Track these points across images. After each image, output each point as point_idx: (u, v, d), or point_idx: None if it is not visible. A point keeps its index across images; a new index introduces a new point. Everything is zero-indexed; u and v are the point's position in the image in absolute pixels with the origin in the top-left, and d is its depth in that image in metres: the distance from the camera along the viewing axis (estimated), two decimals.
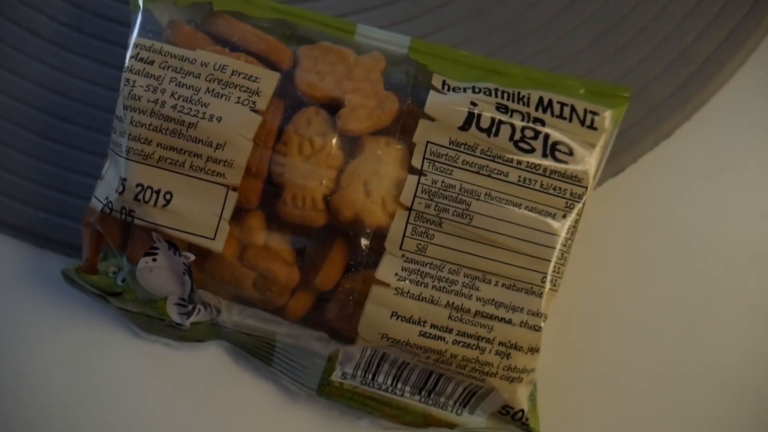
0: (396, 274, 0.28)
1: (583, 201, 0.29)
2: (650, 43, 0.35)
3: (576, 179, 0.29)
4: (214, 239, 0.28)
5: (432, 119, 0.29)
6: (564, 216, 0.29)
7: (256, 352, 0.32)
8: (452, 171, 0.28)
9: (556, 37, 0.35)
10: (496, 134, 0.29)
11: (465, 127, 0.29)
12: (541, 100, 0.29)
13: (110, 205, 0.29)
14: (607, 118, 0.29)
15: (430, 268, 0.28)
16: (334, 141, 0.29)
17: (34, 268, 0.33)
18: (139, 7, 0.30)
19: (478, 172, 0.28)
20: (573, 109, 0.29)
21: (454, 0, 0.35)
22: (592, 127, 0.29)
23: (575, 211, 0.29)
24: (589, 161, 0.29)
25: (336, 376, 0.30)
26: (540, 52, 0.35)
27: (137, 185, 0.28)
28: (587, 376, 0.33)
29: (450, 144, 0.29)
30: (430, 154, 0.28)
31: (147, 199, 0.28)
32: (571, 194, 0.29)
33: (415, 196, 0.28)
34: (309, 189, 0.28)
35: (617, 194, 0.34)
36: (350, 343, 0.29)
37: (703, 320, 0.33)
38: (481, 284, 0.28)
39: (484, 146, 0.29)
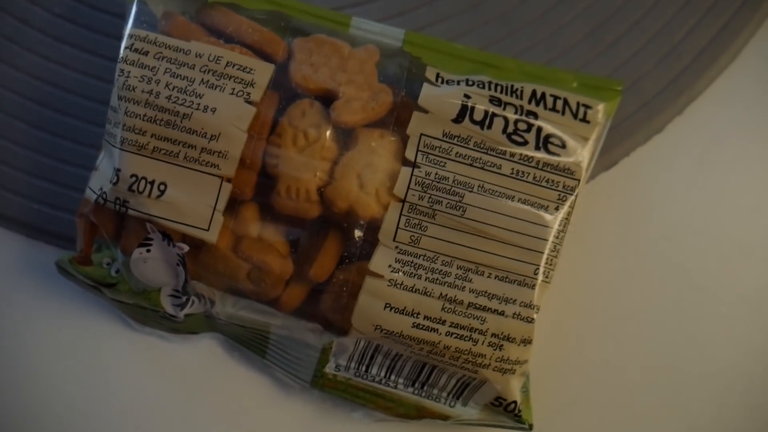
0: (389, 266, 0.28)
1: (575, 193, 0.29)
2: (643, 37, 0.35)
3: (569, 172, 0.29)
4: (208, 230, 0.28)
5: (426, 111, 0.29)
6: (557, 208, 0.29)
7: (250, 344, 0.32)
8: (446, 163, 0.28)
9: (550, 30, 0.35)
10: (490, 127, 0.29)
11: (458, 119, 0.29)
12: (534, 93, 0.30)
13: (104, 196, 0.29)
14: (599, 111, 0.30)
15: (423, 259, 0.28)
16: (328, 133, 0.29)
17: (28, 260, 0.33)
18: None
19: (471, 165, 0.29)
20: (566, 102, 0.30)
21: None
22: (584, 120, 0.29)
23: (568, 203, 0.29)
24: (581, 154, 0.29)
25: (330, 368, 0.30)
26: (534, 45, 0.35)
27: (131, 176, 0.28)
28: (580, 368, 0.33)
29: (443, 136, 0.29)
30: (424, 147, 0.29)
31: (141, 189, 0.28)
32: (563, 187, 0.29)
33: (408, 188, 0.28)
34: (303, 181, 0.28)
35: (610, 188, 0.34)
36: (344, 334, 0.29)
37: (695, 312, 0.34)
38: (474, 276, 0.29)
39: (477, 139, 0.29)
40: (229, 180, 0.28)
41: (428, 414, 0.31)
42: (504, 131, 0.29)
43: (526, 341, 0.29)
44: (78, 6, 0.35)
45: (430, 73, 0.30)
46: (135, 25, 0.29)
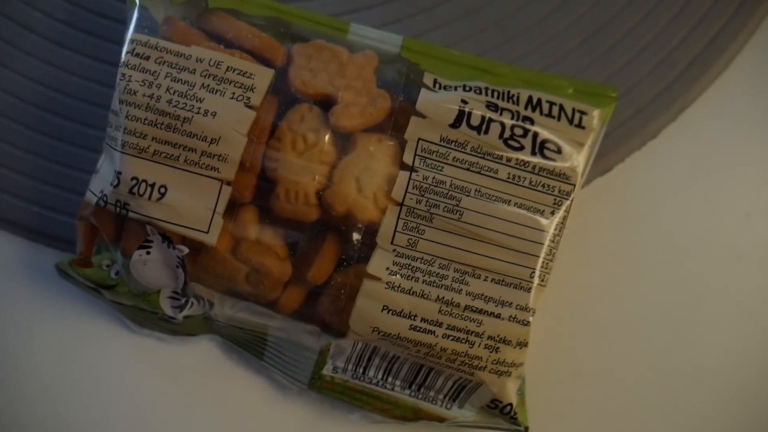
0: (387, 269, 0.29)
1: (571, 198, 0.29)
2: (637, 45, 0.35)
3: (564, 177, 0.29)
4: (207, 233, 0.29)
5: (423, 117, 0.29)
6: (552, 213, 0.29)
7: (248, 346, 0.32)
8: (443, 167, 0.29)
9: (546, 37, 0.35)
10: (486, 132, 0.29)
11: (456, 124, 0.29)
12: (530, 98, 0.30)
13: (105, 198, 0.29)
14: (595, 117, 0.30)
15: (420, 262, 0.29)
16: (326, 137, 0.29)
17: (28, 262, 0.33)
18: (136, 3, 0.30)
19: (468, 169, 0.29)
20: (561, 108, 0.30)
21: (446, 1, 0.35)
22: (580, 125, 0.30)
23: (563, 207, 0.29)
24: (577, 159, 0.30)
25: (327, 370, 0.31)
26: (530, 52, 0.35)
27: (132, 178, 0.28)
28: (575, 371, 0.33)
29: (441, 141, 0.29)
30: (422, 151, 0.29)
31: (142, 192, 0.28)
32: (559, 191, 0.29)
33: (406, 192, 0.29)
34: (302, 184, 0.29)
35: (605, 193, 0.35)
36: (341, 336, 0.30)
37: (689, 317, 0.34)
38: (470, 279, 0.29)
39: (474, 143, 0.29)
40: (228, 183, 0.29)
41: (425, 416, 0.31)
42: (500, 136, 0.29)
43: (522, 344, 0.29)
44: (78, 11, 0.35)
45: (428, 79, 0.30)
46: (136, 30, 0.30)
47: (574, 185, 0.29)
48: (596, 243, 0.34)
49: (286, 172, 0.29)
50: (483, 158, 0.29)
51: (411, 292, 0.29)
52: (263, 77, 0.29)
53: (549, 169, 0.29)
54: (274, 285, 0.29)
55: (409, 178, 0.29)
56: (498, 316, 0.29)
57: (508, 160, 0.29)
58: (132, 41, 0.29)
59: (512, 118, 0.29)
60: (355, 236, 0.29)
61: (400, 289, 0.29)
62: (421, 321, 0.29)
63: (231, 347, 0.33)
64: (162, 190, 0.28)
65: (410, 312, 0.29)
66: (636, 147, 0.35)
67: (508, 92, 0.30)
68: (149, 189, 0.28)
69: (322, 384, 0.31)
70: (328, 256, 0.29)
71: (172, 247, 0.29)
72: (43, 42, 0.34)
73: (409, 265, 0.29)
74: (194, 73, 0.29)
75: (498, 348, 0.29)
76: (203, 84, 0.29)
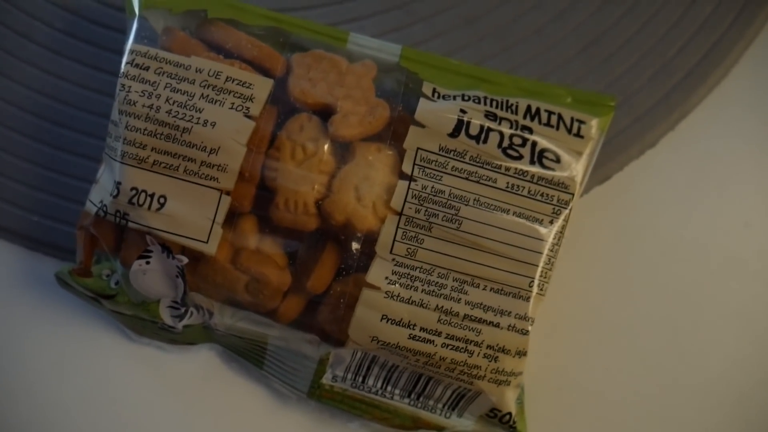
0: (386, 278, 0.29)
1: (569, 207, 0.29)
2: (635, 54, 0.35)
3: (563, 186, 0.29)
4: (207, 242, 0.29)
5: (422, 126, 0.29)
6: (551, 222, 0.29)
7: (248, 355, 0.32)
8: (442, 177, 0.29)
9: (544, 47, 0.35)
10: (485, 141, 0.29)
11: (454, 134, 0.29)
12: (529, 108, 0.30)
13: (105, 209, 0.29)
14: (593, 126, 0.30)
15: (419, 272, 0.29)
16: (326, 147, 0.29)
17: (28, 272, 0.33)
18: (135, 14, 0.30)
19: (467, 178, 0.29)
20: (560, 117, 0.30)
21: (444, 10, 0.36)
22: (578, 135, 0.30)
23: (562, 217, 0.29)
24: (575, 168, 0.30)
25: (326, 379, 0.31)
26: (528, 61, 0.35)
27: (132, 189, 0.28)
28: (574, 380, 0.33)
29: (440, 150, 0.29)
30: (420, 160, 0.29)
31: (141, 202, 0.28)
32: (558, 200, 0.29)
33: (405, 201, 0.29)
34: (301, 194, 0.29)
35: (603, 202, 0.35)
36: (341, 345, 0.30)
37: (688, 326, 0.34)
38: (469, 288, 0.29)
39: (473, 153, 0.29)
40: (228, 193, 0.29)
41: (424, 425, 0.31)
42: (499, 146, 0.29)
43: (521, 353, 0.29)
44: (78, 21, 0.35)
45: (427, 89, 0.30)
46: (136, 40, 0.30)
47: (573, 194, 0.29)
48: (595, 252, 0.34)
49: (286, 182, 0.29)
50: (482, 167, 0.29)
51: (410, 302, 0.29)
52: (262, 87, 0.29)
53: (548, 178, 0.29)
54: (273, 294, 0.29)
55: (408, 188, 0.29)
56: (497, 325, 0.29)
57: (507, 169, 0.29)
58: (131, 52, 0.29)
59: (511, 128, 0.30)
60: (354, 245, 0.29)
61: (399, 298, 0.29)
62: (420, 330, 0.29)
63: (231, 356, 0.33)
64: (161, 200, 0.28)
65: (409, 321, 0.29)
66: (634, 156, 0.35)
67: (507, 101, 0.30)
68: (149, 199, 0.28)
69: (322, 393, 0.31)
70: (328, 266, 0.29)
71: (172, 257, 0.29)
72: (43, 51, 0.35)
73: (408, 274, 0.29)
74: (194, 83, 0.29)
75: (497, 357, 0.29)
76: (203, 94, 0.29)
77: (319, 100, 0.29)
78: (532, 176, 0.29)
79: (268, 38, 0.30)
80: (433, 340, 0.29)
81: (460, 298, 0.29)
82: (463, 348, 0.29)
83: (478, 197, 0.29)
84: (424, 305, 0.29)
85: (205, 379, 0.33)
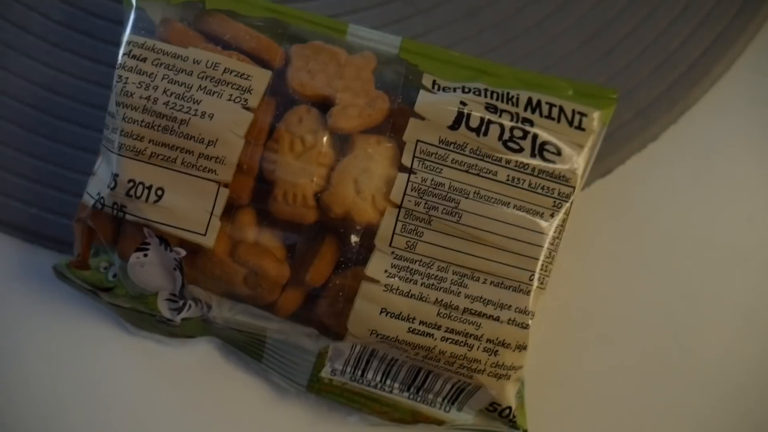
0: (385, 271, 0.29)
1: (570, 200, 0.29)
2: (637, 46, 0.35)
3: (564, 179, 0.29)
4: (205, 235, 0.28)
5: (422, 118, 0.29)
6: (552, 215, 0.29)
7: (247, 348, 0.32)
8: (442, 169, 0.29)
9: (546, 39, 0.35)
10: (486, 134, 0.29)
11: (455, 126, 0.29)
12: (529, 100, 0.30)
13: (102, 201, 0.29)
14: (595, 119, 0.30)
15: (419, 265, 0.29)
16: (324, 139, 0.29)
17: (25, 264, 0.33)
18: (132, 5, 0.30)
19: (467, 171, 0.29)
20: (561, 109, 0.30)
21: (445, 2, 0.35)
22: (580, 127, 0.30)
23: (563, 210, 0.29)
24: (576, 161, 0.29)
25: (325, 373, 0.31)
26: (529, 53, 0.35)
27: (129, 181, 0.28)
28: (574, 374, 0.33)
29: (440, 143, 0.29)
30: (420, 153, 0.29)
31: (139, 194, 0.28)
32: (559, 194, 0.29)
33: (404, 193, 0.29)
34: (300, 186, 0.29)
35: (605, 195, 0.35)
36: (340, 339, 0.30)
37: (690, 320, 0.34)
38: (469, 282, 0.29)
39: (473, 145, 0.29)
40: (226, 185, 0.28)
41: (423, 419, 0.31)
42: (500, 138, 0.29)
43: (521, 347, 0.29)
44: (76, 12, 0.35)
45: (427, 81, 0.30)
46: (133, 31, 0.29)
47: (574, 187, 0.29)
48: (596, 245, 0.34)
49: (284, 174, 0.29)
50: (482, 160, 0.29)
51: (409, 295, 0.29)
52: (261, 79, 0.29)
53: (548, 171, 0.29)
54: (272, 287, 0.29)
55: (408, 180, 0.29)
56: (497, 319, 0.29)
57: (508, 162, 0.29)
58: (129, 43, 0.29)
59: (512, 120, 0.29)
60: (354, 238, 0.29)
61: (398, 291, 0.28)
62: (419, 324, 0.29)
63: (229, 349, 0.33)
64: (159, 192, 0.28)
65: (409, 315, 0.29)
66: (636, 149, 0.35)
67: (508, 94, 0.30)
68: (146, 191, 0.28)
69: (321, 386, 0.31)
70: (327, 259, 0.29)
71: (170, 249, 0.29)
72: (40, 43, 0.34)
73: (408, 267, 0.29)
74: (191, 74, 0.29)
75: (497, 351, 0.29)
76: (200, 86, 0.28)
77: (318, 91, 0.29)
78: (533, 169, 0.29)
79: (267, 29, 0.30)
80: (433, 334, 0.29)
81: (460, 292, 0.29)
82: (462, 342, 0.29)
83: (478, 190, 0.29)
84: (424, 299, 0.29)
85: (203, 373, 0.33)
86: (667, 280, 0.34)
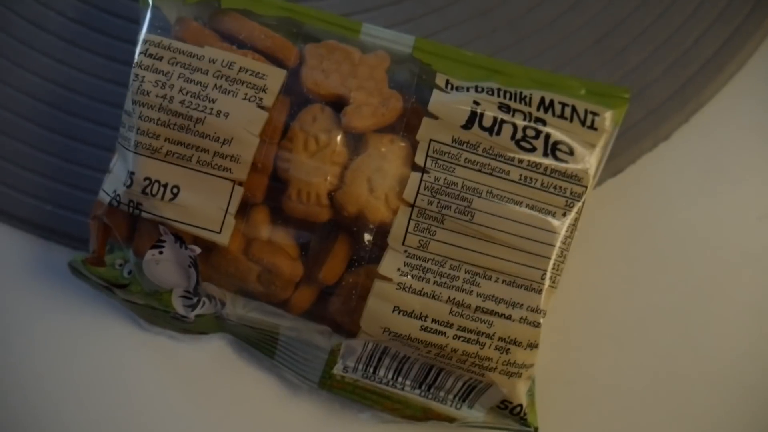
0: (398, 270, 0.29)
1: (582, 200, 0.29)
2: (650, 45, 0.35)
3: (576, 178, 0.29)
4: (219, 233, 0.29)
5: (435, 117, 0.29)
6: (564, 214, 0.29)
7: (260, 345, 0.32)
8: (455, 169, 0.29)
9: (558, 38, 0.35)
10: (498, 133, 0.29)
11: (468, 125, 0.29)
12: (542, 100, 0.30)
13: (118, 198, 0.29)
14: (607, 118, 0.30)
15: (431, 263, 0.29)
16: (338, 138, 0.29)
17: (41, 260, 0.34)
18: (148, 4, 0.30)
19: (480, 170, 0.29)
20: (574, 109, 0.30)
21: (458, 0, 0.35)
22: (592, 127, 0.30)
23: (575, 209, 0.29)
24: (589, 161, 0.29)
25: (338, 370, 0.31)
26: (542, 52, 0.35)
27: (145, 179, 0.29)
28: (585, 373, 0.33)
29: (453, 142, 0.29)
30: (433, 152, 0.29)
31: (154, 192, 0.29)
32: (571, 193, 0.29)
33: (417, 192, 0.29)
34: (314, 185, 0.29)
35: (616, 194, 0.35)
36: (352, 336, 0.30)
37: (700, 319, 0.34)
38: (481, 280, 0.29)
39: (486, 145, 0.29)
40: (240, 184, 0.29)
41: (434, 416, 0.31)
42: (512, 138, 0.29)
43: (533, 345, 0.29)
44: (91, 10, 0.35)
45: (440, 80, 0.30)
46: (149, 30, 0.30)
47: (586, 187, 0.29)
48: (607, 244, 0.34)
49: (298, 173, 0.29)
50: (495, 159, 0.29)
51: (422, 293, 0.29)
52: (275, 78, 0.29)
53: (561, 170, 0.29)
54: (285, 285, 0.30)
55: (421, 179, 0.29)
56: (509, 317, 0.29)
57: (520, 161, 0.29)
58: (145, 42, 0.29)
59: (524, 120, 0.29)
60: (367, 237, 0.29)
61: (411, 290, 0.29)
62: (432, 322, 0.29)
63: (242, 346, 0.33)
64: (174, 190, 0.29)
65: (421, 313, 0.29)
66: (648, 148, 0.35)
67: (521, 93, 0.30)
68: (162, 189, 0.28)
69: (333, 383, 0.31)
70: (340, 257, 0.29)
71: (185, 247, 0.29)
72: (56, 41, 0.35)
73: (420, 266, 0.29)
74: (207, 73, 0.29)
75: (508, 349, 0.29)
76: (216, 85, 0.29)
77: (332, 91, 0.29)
78: (545, 168, 0.29)
79: (281, 28, 0.30)
80: (445, 332, 0.29)
81: (472, 290, 0.29)
82: (474, 340, 0.29)
83: (490, 189, 0.29)
84: (436, 297, 0.29)
85: (216, 369, 0.33)
86: (678, 279, 0.34)
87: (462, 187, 0.29)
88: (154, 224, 0.29)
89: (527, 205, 0.29)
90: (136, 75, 0.29)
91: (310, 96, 0.29)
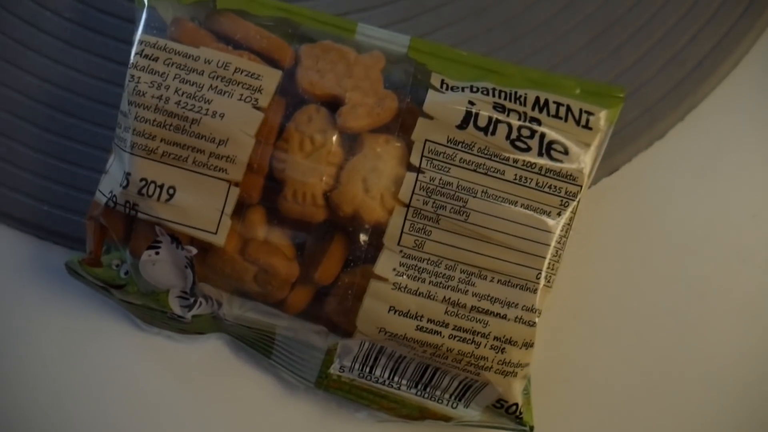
0: (394, 270, 0.29)
1: (577, 199, 0.29)
2: (645, 44, 0.35)
3: (571, 178, 0.29)
4: (216, 233, 0.29)
5: (431, 118, 0.29)
6: (559, 214, 0.29)
7: (256, 345, 0.32)
8: (450, 169, 0.29)
9: (553, 37, 0.35)
10: (493, 133, 0.29)
11: (463, 125, 0.29)
12: (537, 99, 0.30)
13: (114, 199, 0.29)
14: (602, 118, 0.30)
15: (427, 263, 0.29)
16: (334, 138, 0.29)
17: (38, 260, 0.34)
18: (144, 4, 0.30)
19: (475, 170, 0.29)
20: (569, 108, 0.30)
21: (453, 0, 0.35)
22: (587, 126, 0.30)
23: (570, 209, 0.29)
24: (584, 160, 0.30)
25: (334, 369, 0.31)
26: (537, 51, 0.35)
27: (141, 180, 0.29)
28: (581, 372, 0.33)
29: (448, 142, 0.29)
30: (429, 152, 0.29)
31: (151, 193, 0.29)
32: (566, 192, 0.29)
33: (413, 193, 0.29)
34: (309, 185, 0.29)
35: (612, 193, 0.35)
36: (348, 336, 0.30)
37: (695, 318, 0.34)
38: (477, 280, 0.29)
39: (481, 145, 0.29)
40: (236, 184, 0.29)
41: (431, 415, 0.31)
42: (507, 137, 0.29)
43: (528, 344, 0.29)
44: (87, 10, 0.35)
45: (435, 80, 0.30)
46: (145, 31, 0.30)
47: (581, 186, 0.29)
48: (602, 243, 0.34)
49: (294, 173, 0.29)
50: (490, 159, 0.29)
51: (417, 293, 0.29)
52: (271, 78, 0.29)
53: (556, 170, 0.29)
54: (281, 285, 0.30)
55: (416, 179, 0.29)
56: (504, 317, 0.29)
57: (515, 161, 0.29)
58: (141, 42, 0.29)
59: (519, 119, 0.29)
60: (362, 237, 0.29)
61: (406, 289, 0.29)
62: (427, 322, 0.29)
63: (239, 345, 0.33)
64: (171, 191, 0.29)
65: (417, 313, 0.29)
66: (643, 147, 0.35)
67: (516, 93, 0.30)
68: (158, 190, 0.29)
69: (329, 382, 0.31)
70: (335, 257, 0.29)
71: (181, 247, 0.29)
72: (53, 41, 0.35)
73: (416, 266, 0.29)
74: (202, 74, 0.29)
75: (504, 348, 0.29)
76: (211, 85, 0.29)
77: (327, 91, 0.29)
78: (540, 168, 0.29)
79: (277, 29, 0.30)
80: (441, 332, 0.29)
81: (468, 290, 0.29)
82: (470, 339, 0.29)
83: (486, 189, 0.29)
84: (432, 297, 0.29)
85: (213, 368, 0.33)
86: (673, 277, 0.34)
87: (457, 187, 0.29)
88: (150, 225, 0.29)
89: (522, 205, 0.29)
90: (132, 76, 0.29)
91: (306, 96, 0.29)
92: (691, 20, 0.36)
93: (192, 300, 0.31)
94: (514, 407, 0.31)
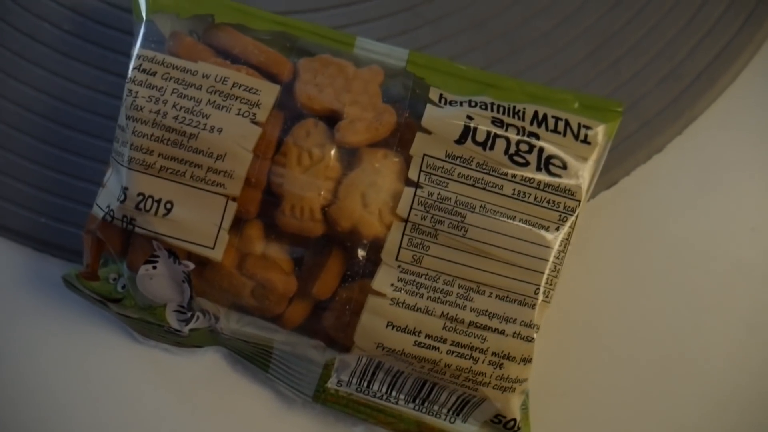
0: (392, 285, 0.29)
1: (576, 214, 0.29)
2: (643, 58, 0.35)
3: (569, 193, 0.29)
4: (213, 248, 0.29)
5: (429, 132, 0.29)
6: (557, 229, 0.29)
7: (254, 359, 0.32)
8: (448, 183, 0.29)
9: (552, 50, 0.35)
10: (492, 148, 0.29)
11: (461, 140, 0.29)
12: (536, 114, 0.30)
13: (111, 213, 0.29)
14: (600, 132, 0.30)
15: (425, 279, 0.29)
16: (332, 153, 0.29)
17: (35, 273, 0.34)
18: (143, 18, 0.30)
19: (473, 185, 0.29)
20: (567, 123, 0.30)
21: (452, 13, 0.35)
22: (585, 141, 0.30)
23: (568, 223, 0.29)
24: (582, 175, 0.30)
25: (332, 383, 0.31)
26: (536, 65, 0.35)
27: (138, 194, 0.29)
28: (578, 387, 0.33)
29: (446, 157, 0.29)
30: (427, 167, 0.29)
31: (148, 208, 0.29)
32: (564, 207, 0.29)
33: (411, 207, 0.29)
34: (307, 200, 0.29)
35: (610, 207, 0.35)
36: (346, 351, 0.30)
37: (694, 331, 0.34)
38: (475, 295, 0.29)
39: (479, 159, 0.29)
40: (234, 199, 0.29)
41: (428, 429, 0.31)
42: (506, 152, 0.29)
43: (526, 360, 0.29)
44: (86, 22, 0.35)
45: (434, 94, 0.30)
46: (143, 45, 0.30)
47: (579, 201, 0.29)
48: (601, 256, 0.34)
49: (292, 188, 0.29)
50: (488, 174, 0.29)
51: (415, 309, 0.29)
52: (269, 93, 0.29)
53: (554, 185, 0.29)
54: (279, 300, 0.30)
55: (414, 194, 0.29)
56: (502, 332, 0.29)
57: (513, 176, 0.29)
58: (139, 57, 0.29)
59: (518, 134, 0.29)
60: (360, 252, 0.29)
61: (404, 305, 0.29)
62: (425, 337, 0.29)
63: (236, 359, 0.33)
64: (168, 206, 0.29)
65: (415, 328, 0.29)
66: (642, 160, 0.35)
67: (514, 107, 0.30)
68: (155, 205, 0.29)
69: (327, 397, 0.31)
70: (333, 272, 0.29)
71: (178, 262, 0.29)
72: (50, 53, 0.35)
73: (414, 281, 0.29)
74: (200, 89, 0.29)
75: (502, 364, 0.29)
76: (209, 100, 0.29)
77: (325, 105, 0.29)
78: (539, 183, 0.29)
79: (275, 43, 0.30)
80: (438, 347, 0.29)
81: (466, 305, 0.29)
82: (468, 355, 0.29)
83: (484, 204, 0.29)
84: (430, 312, 0.29)
85: (210, 382, 0.33)
86: (672, 291, 0.34)
87: (455, 202, 0.29)
88: (147, 239, 0.29)
89: (520, 220, 0.29)
90: (130, 90, 0.29)
91: (304, 111, 0.29)
92: (689, 34, 0.36)
93: (189, 314, 0.31)
94: (512, 422, 0.30)
